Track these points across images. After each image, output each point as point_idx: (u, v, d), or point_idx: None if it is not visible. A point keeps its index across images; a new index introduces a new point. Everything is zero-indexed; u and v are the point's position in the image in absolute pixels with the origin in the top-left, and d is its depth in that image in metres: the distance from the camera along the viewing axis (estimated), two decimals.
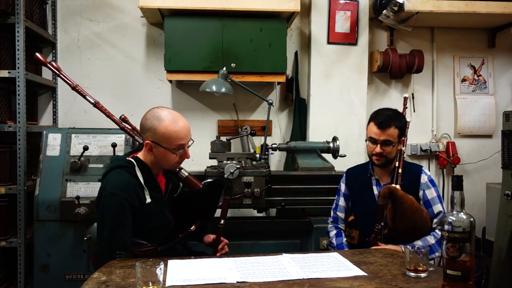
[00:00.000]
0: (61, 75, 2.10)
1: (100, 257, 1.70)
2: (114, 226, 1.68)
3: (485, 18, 3.37)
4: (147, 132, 1.78)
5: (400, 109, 2.26)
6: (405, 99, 2.35)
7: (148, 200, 1.77)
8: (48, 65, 2.08)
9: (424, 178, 2.17)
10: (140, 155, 1.86)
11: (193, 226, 1.94)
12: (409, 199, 2.06)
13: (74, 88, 2.11)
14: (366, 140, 2.19)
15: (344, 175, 2.38)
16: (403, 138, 2.15)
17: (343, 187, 2.35)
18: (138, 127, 2.01)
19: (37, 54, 2.08)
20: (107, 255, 1.66)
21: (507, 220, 2.94)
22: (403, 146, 2.16)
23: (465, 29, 3.71)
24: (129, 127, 2.26)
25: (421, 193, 2.15)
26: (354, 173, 2.33)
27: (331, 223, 2.37)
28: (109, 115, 2.15)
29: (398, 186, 2.06)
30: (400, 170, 2.12)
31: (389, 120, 2.10)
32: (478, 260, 3.32)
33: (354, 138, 3.41)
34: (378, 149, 2.11)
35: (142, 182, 1.78)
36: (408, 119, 2.23)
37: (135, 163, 1.80)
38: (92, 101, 2.12)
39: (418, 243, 2.05)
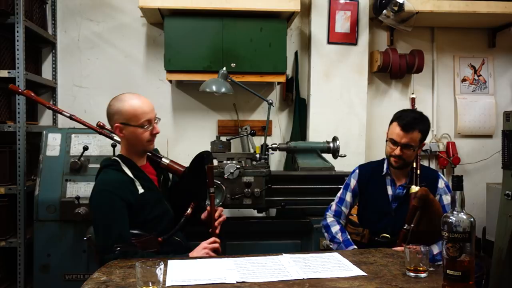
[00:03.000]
0: (36, 99, 2.28)
1: (100, 253, 1.74)
2: (107, 221, 1.73)
3: (485, 18, 3.37)
4: (114, 116, 1.86)
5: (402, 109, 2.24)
6: (413, 100, 2.30)
7: (141, 190, 1.83)
8: (22, 93, 2.26)
9: (441, 183, 2.14)
10: (120, 151, 1.93)
11: (189, 209, 1.94)
12: (437, 203, 2.02)
13: (49, 107, 2.30)
14: (386, 140, 2.12)
15: (357, 171, 2.28)
16: (424, 143, 2.10)
17: (353, 183, 2.26)
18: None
19: (10, 86, 2.26)
20: (106, 250, 1.70)
21: (508, 220, 2.94)
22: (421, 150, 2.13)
23: (465, 29, 3.71)
24: (107, 130, 2.30)
25: (437, 197, 2.11)
26: (368, 171, 2.25)
27: (333, 216, 2.27)
28: (86, 124, 2.26)
29: (418, 188, 2.02)
30: (418, 171, 2.08)
31: (413, 123, 2.03)
32: (478, 260, 3.32)
33: (354, 138, 3.41)
34: (397, 151, 2.04)
35: (131, 176, 1.83)
36: None
37: (119, 160, 1.87)
38: (68, 115, 2.24)
39: (435, 247, 2.02)
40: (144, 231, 1.80)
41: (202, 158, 2.05)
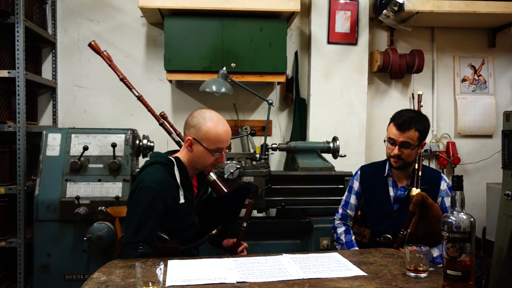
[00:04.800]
0: (111, 65, 2.25)
1: (124, 245, 1.73)
2: (143, 218, 1.70)
3: (485, 18, 3.37)
4: (191, 129, 1.83)
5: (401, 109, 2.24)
6: (419, 96, 2.29)
7: (182, 200, 1.80)
8: (101, 54, 2.24)
9: (443, 185, 2.13)
10: (179, 154, 1.89)
11: (214, 230, 1.93)
12: (436, 207, 2.01)
13: (122, 79, 2.27)
14: (384, 141, 2.14)
15: (359, 172, 2.30)
16: (424, 142, 2.10)
17: (356, 185, 2.28)
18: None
19: (92, 43, 2.25)
20: (131, 244, 1.69)
21: (508, 220, 2.94)
22: (422, 150, 2.12)
23: (465, 29, 3.71)
24: (167, 124, 2.30)
25: (439, 199, 2.11)
26: (370, 172, 2.26)
27: (340, 220, 2.31)
28: (150, 110, 2.27)
29: (418, 190, 2.02)
30: (420, 173, 2.07)
31: (409, 122, 2.04)
32: (478, 260, 3.32)
33: (354, 138, 3.40)
34: (396, 150, 2.05)
35: (179, 182, 1.81)
36: None
37: (175, 162, 1.83)
38: (137, 94, 2.28)
39: (435, 250, 2.02)
40: (167, 236, 1.79)
41: (247, 192, 2.00)
